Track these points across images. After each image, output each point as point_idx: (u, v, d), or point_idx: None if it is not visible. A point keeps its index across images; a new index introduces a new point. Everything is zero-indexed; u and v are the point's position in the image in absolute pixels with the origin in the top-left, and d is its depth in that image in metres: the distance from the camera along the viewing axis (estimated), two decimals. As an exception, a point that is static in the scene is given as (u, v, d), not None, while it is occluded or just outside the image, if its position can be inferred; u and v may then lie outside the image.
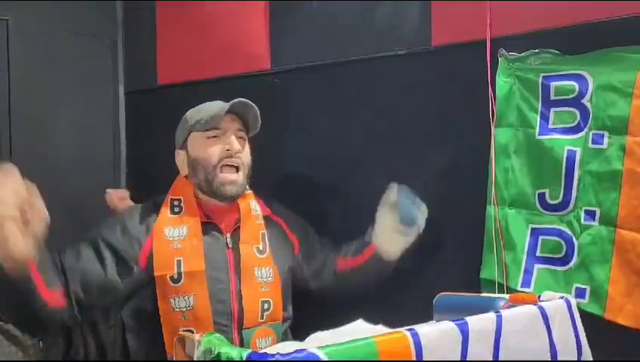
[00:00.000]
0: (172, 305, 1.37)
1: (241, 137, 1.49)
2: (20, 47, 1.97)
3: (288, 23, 1.92)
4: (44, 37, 2.06)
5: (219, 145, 1.45)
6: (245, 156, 1.49)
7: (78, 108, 2.14)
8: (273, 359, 0.76)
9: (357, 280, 1.57)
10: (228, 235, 1.47)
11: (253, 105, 1.46)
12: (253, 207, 1.52)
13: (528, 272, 1.48)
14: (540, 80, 1.49)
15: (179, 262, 1.39)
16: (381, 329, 1.13)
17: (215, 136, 1.46)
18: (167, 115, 2.09)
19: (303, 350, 0.79)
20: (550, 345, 1.06)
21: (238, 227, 1.48)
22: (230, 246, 1.45)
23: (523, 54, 1.53)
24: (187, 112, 1.52)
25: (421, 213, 1.52)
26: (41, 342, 1.72)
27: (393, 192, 1.52)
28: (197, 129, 1.47)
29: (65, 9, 2.08)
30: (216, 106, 1.46)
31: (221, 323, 1.39)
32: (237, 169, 1.46)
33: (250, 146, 1.54)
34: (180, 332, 0.92)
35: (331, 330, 1.09)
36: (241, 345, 1.39)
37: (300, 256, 1.58)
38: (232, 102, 1.44)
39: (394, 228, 1.51)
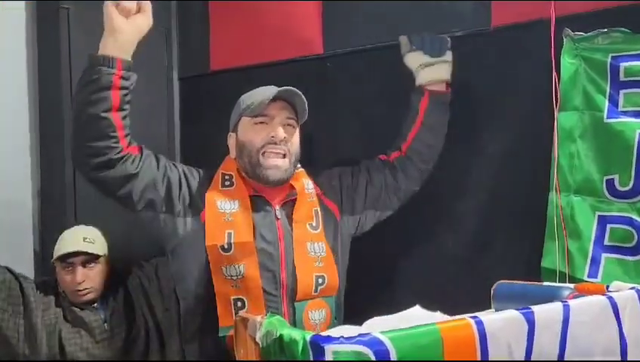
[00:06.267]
0: (223, 273, 1.41)
1: (290, 125, 1.49)
2: (79, 34, 2.02)
3: (341, 6, 1.89)
4: (102, 24, 2.10)
5: (264, 132, 1.46)
6: (293, 144, 1.49)
7: (133, 93, 2.18)
8: (338, 341, 0.75)
9: (428, 133, 1.59)
10: (277, 207, 1.49)
11: (300, 93, 1.45)
12: (305, 185, 1.53)
13: (595, 262, 1.43)
14: (609, 60, 1.42)
15: (229, 234, 1.42)
16: (439, 316, 1.11)
17: (262, 123, 1.47)
18: (220, 99, 2.12)
19: (366, 334, 0.78)
20: (620, 337, 1.02)
21: (289, 201, 1.50)
22: (279, 218, 1.48)
23: (590, 34, 1.46)
24: (242, 96, 1.53)
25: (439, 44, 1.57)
26: (106, 325, 1.79)
27: (405, 43, 1.60)
28: (247, 114, 1.49)
29: (121, -3, 2.12)
30: (267, 92, 1.46)
31: (270, 293, 1.42)
32: (283, 156, 1.47)
33: (303, 131, 1.53)
34: (241, 314, 0.93)
35: (389, 316, 1.08)
36: (293, 316, 1.42)
37: (348, 213, 1.58)
38: (278, 89, 1.44)
39: (428, 60, 1.57)
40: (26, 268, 2.00)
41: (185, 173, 1.50)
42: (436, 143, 1.61)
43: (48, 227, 2.01)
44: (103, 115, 1.36)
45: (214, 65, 2.19)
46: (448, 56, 1.58)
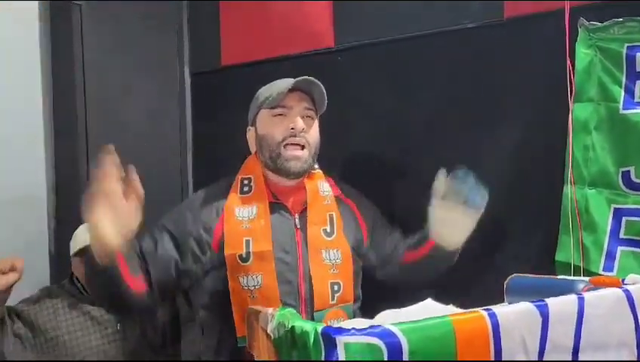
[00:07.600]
0: (241, 283, 1.38)
1: (308, 116, 1.47)
2: (92, 31, 2.04)
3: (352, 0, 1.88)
4: (114, 21, 2.12)
5: (284, 124, 1.44)
6: (312, 135, 1.47)
7: (145, 89, 2.19)
8: (349, 333, 0.75)
9: (419, 271, 1.51)
10: (296, 216, 1.46)
11: (319, 82, 1.44)
12: (320, 187, 1.50)
13: (611, 255, 1.41)
14: (625, 50, 1.41)
15: (248, 241, 1.40)
16: (451, 309, 1.10)
17: (281, 115, 1.45)
18: (231, 95, 2.14)
19: (377, 326, 0.78)
20: (636, 330, 1.00)
21: (307, 208, 1.47)
22: (299, 226, 1.45)
23: (605, 23, 1.44)
24: (260, 89, 1.52)
25: (480, 196, 1.38)
26: (118, 325, 1.80)
27: (441, 182, 1.40)
28: (265, 106, 1.47)
29: (133, -7, 2.14)
30: (285, 83, 1.45)
31: (289, 304, 1.38)
32: (302, 147, 1.45)
33: (319, 126, 1.52)
34: (252, 306, 0.93)
35: (401, 309, 1.07)
36: None
37: (369, 244, 1.55)
38: (296, 79, 1.43)
39: (449, 219, 1.40)
40: (42, 264, 2.03)
41: (192, 220, 1.44)
42: (426, 276, 1.49)
43: (63, 223, 2.03)
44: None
45: (225, 61, 2.20)
46: (474, 219, 1.40)
